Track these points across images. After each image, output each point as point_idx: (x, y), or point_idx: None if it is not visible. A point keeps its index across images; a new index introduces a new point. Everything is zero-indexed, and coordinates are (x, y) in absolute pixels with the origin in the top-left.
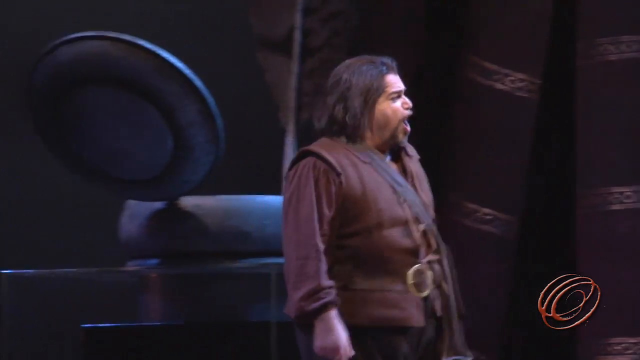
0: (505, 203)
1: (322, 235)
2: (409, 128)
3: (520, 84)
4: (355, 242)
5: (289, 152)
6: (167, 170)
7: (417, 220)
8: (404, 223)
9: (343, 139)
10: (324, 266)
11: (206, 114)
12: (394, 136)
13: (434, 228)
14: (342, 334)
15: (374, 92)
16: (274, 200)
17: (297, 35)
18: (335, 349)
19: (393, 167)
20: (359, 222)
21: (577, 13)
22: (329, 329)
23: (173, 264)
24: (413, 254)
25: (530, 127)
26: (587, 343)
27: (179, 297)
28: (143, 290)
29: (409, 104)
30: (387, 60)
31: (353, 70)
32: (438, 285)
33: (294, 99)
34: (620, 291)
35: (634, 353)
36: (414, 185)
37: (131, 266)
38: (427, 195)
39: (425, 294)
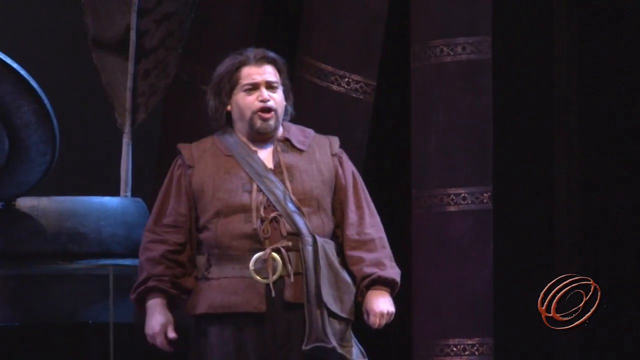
0: None
1: (167, 226)
2: (268, 115)
3: (355, 86)
4: (205, 233)
5: (126, 153)
6: (2, 171)
7: (269, 209)
8: (246, 210)
9: (218, 132)
10: (157, 254)
11: (42, 115)
12: (252, 126)
13: (296, 216)
14: (157, 321)
15: (225, 85)
16: (111, 202)
17: (133, 36)
18: (151, 336)
19: (264, 157)
20: (206, 212)
21: (412, 15)
22: (149, 316)
23: (9, 266)
24: (255, 240)
25: (365, 128)
26: (425, 344)
27: (15, 298)
28: None
29: (264, 96)
30: (252, 52)
31: (220, 66)
32: (294, 273)
33: (129, 100)
34: (456, 292)
35: (471, 354)
36: (282, 176)
37: None
38: (303, 185)
39: (269, 280)
